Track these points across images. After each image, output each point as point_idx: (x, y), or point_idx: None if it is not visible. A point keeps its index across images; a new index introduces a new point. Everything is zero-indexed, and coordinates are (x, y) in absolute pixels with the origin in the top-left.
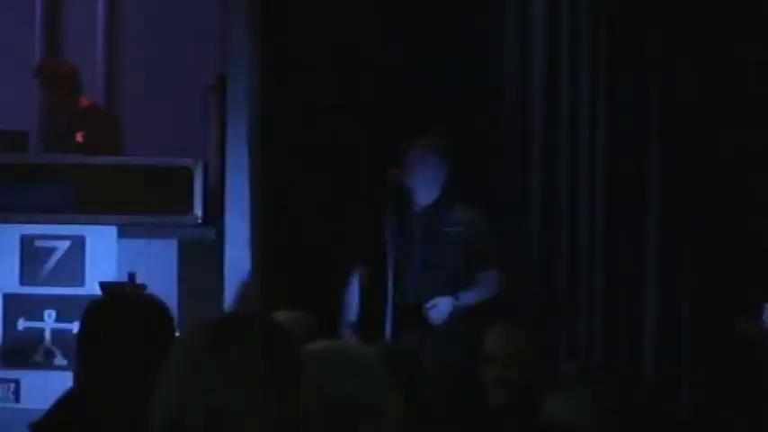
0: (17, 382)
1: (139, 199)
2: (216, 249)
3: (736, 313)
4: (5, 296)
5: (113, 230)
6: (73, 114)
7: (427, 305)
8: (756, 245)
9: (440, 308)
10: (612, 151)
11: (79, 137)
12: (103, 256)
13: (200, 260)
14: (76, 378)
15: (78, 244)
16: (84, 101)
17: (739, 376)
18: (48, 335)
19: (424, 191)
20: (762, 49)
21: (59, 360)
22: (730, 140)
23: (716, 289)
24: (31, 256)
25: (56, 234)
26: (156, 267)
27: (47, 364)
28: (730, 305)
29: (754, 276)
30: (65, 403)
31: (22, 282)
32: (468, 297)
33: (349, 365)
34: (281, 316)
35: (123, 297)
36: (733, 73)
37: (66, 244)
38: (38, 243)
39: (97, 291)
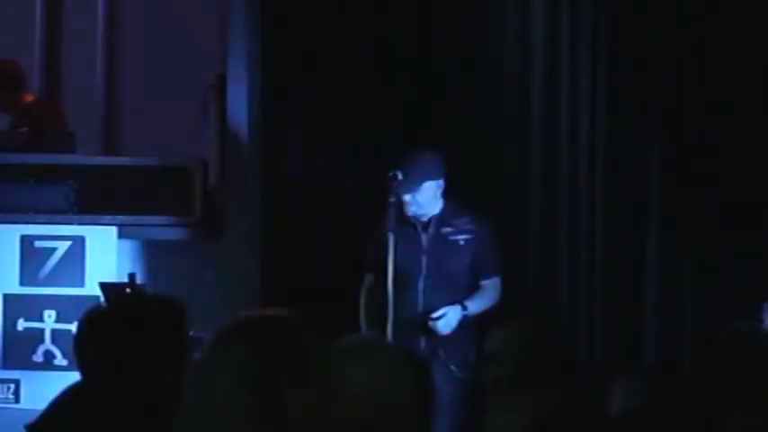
0: (17, 382)
1: (139, 199)
2: (216, 249)
3: (737, 313)
4: (5, 296)
5: (113, 231)
6: (17, 111)
7: (434, 315)
8: (756, 245)
9: (448, 318)
10: (612, 151)
11: (22, 133)
12: (103, 256)
13: (200, 260)
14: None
15: (78, 244)
16: (29, 97)
17: (739, 376)
18: (48, 335)
19: (426, 210)
20: (762, 49)
21: (59, 360)
22: (730, 140)
23: (716, 289)
24: (31, 256)
25: (56, 234)
26: (156, 267)
27: (47, 364)
28: (730, 305)
29: (754, 276)
30: (61, 403)
31: (22, 282)
32: (476, 305)
33: (375, 361)
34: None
35: (124, 299)
36: (733, 73)
37: (66, 244)
38: (38, 243)
39: (97, 291)
